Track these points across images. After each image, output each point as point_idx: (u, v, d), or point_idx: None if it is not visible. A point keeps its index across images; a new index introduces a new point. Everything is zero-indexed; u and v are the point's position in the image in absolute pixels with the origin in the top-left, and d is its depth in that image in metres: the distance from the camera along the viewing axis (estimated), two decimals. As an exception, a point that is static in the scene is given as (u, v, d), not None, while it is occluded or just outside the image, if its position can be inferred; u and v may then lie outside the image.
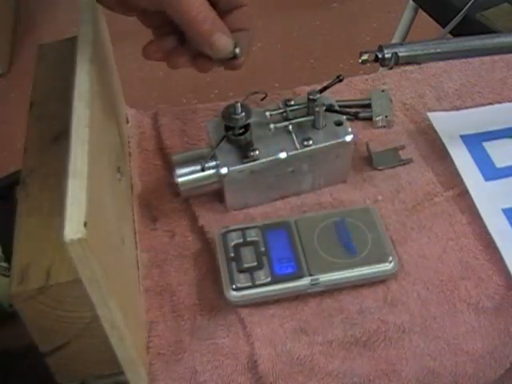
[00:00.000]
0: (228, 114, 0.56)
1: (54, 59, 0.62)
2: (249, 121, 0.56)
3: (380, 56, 0.54)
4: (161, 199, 0.62)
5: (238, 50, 0.49)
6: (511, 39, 0.57)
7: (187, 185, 0.58)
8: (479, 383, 0.52)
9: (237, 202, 0.59)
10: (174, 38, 0.51)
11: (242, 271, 0.52)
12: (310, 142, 0.57)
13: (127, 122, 0.68)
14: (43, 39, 0.65)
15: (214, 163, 0.57)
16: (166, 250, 0.58)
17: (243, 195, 0.59)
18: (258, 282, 0.51)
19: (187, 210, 0.60)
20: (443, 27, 1.13)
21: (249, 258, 0.53)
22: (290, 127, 0.58)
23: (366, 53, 0.53)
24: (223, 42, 0.47)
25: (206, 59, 0.50)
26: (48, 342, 0.46)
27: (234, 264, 0.53)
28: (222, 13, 0.49)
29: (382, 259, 0.53)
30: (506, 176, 0.61)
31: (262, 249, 0.54)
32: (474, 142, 0.64)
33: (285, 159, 0.57)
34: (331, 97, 0.60)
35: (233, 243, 0.54)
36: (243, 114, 0.56)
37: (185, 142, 0.66)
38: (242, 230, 0.55)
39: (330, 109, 0.58)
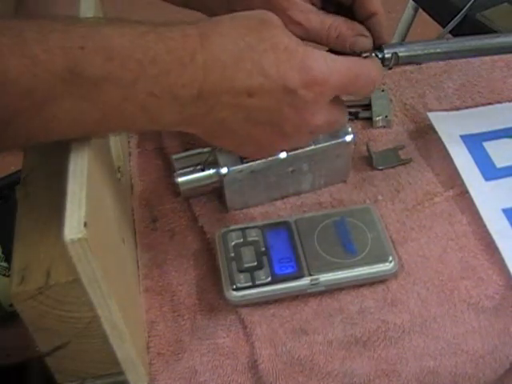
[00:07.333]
0: (228, 113, 0.56)
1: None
2: (249, 121, 0.56)
3: (380, 56, 0.54)
4: (161, 199, 0.62)
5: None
6: (511, 39, 0.57)
7: (187, 185, 0.58)
8: (479, 383, 0.52)
9: (237, 201, 0.59)
10: None
11: (242, 271, 0.52)
12: (310, 142, 0.57)
13: (127, 122, 0.68)
14: (43, 39, 0.64)
15: (214, 163, 0.57)
16: (165, 250, 0.58)
17: (243, 195, 0.59)
18: (258, 282, 0.51)
19: (187, 210, 0.60)
20: (443, 27, 1.13)
21: (249, 258, 0.53)
22: (290, 127, 0.58)
23: (366, 52, 0.53)
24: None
25: None
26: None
27: (234, 264, 0.53)
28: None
29: (382, 259, 0.53)
30: (506, 176, 0.60)
31: (262, 249, 0.54)
32: (474, 141, 0.64)
33: (285, 159, 0.57)
34: (331, 97, 0.60)
35: (233, 243, 0.54)
36: (243, 113, 0.56)
37: (185, 142, 0.66)
38: (242, 229, 0.55)
39: (330, 109, 0.58)
